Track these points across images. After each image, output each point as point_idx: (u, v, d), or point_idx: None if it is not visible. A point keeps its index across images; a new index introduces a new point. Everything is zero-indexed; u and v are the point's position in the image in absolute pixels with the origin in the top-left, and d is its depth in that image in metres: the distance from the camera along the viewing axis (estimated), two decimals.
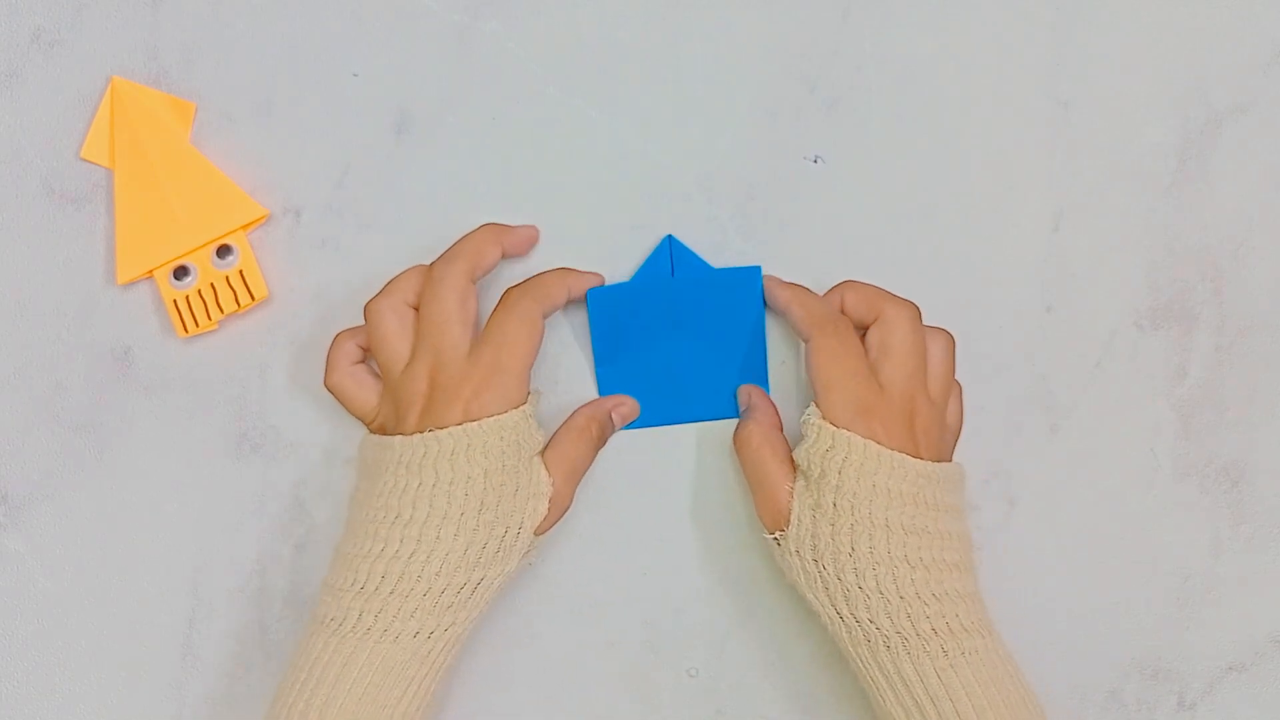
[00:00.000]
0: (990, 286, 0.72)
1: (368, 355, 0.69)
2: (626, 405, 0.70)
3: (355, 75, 0.73)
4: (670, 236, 0.72)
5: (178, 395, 0.72)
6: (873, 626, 0.62)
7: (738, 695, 0.70)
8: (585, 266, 0.72)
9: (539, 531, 0.65)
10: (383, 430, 0.67)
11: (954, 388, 0.68)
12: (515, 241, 0.70)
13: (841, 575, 0.62)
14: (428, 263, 0.68)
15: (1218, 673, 0.71)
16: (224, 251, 0.72)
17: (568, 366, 0.72)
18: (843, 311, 0.68)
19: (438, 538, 0.62)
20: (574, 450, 0.67)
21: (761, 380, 0.71)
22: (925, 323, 0.67)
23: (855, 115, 0.73)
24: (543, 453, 0.66)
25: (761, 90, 0.73)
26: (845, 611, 0.63)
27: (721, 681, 0.70)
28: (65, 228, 0.72)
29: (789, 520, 0.64)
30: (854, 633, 0.63)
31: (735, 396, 0.71)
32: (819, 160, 0.73)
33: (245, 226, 0.72)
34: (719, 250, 0.72)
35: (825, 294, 0.69)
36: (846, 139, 0.73)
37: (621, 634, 0.71)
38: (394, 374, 0.66)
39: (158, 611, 0.71)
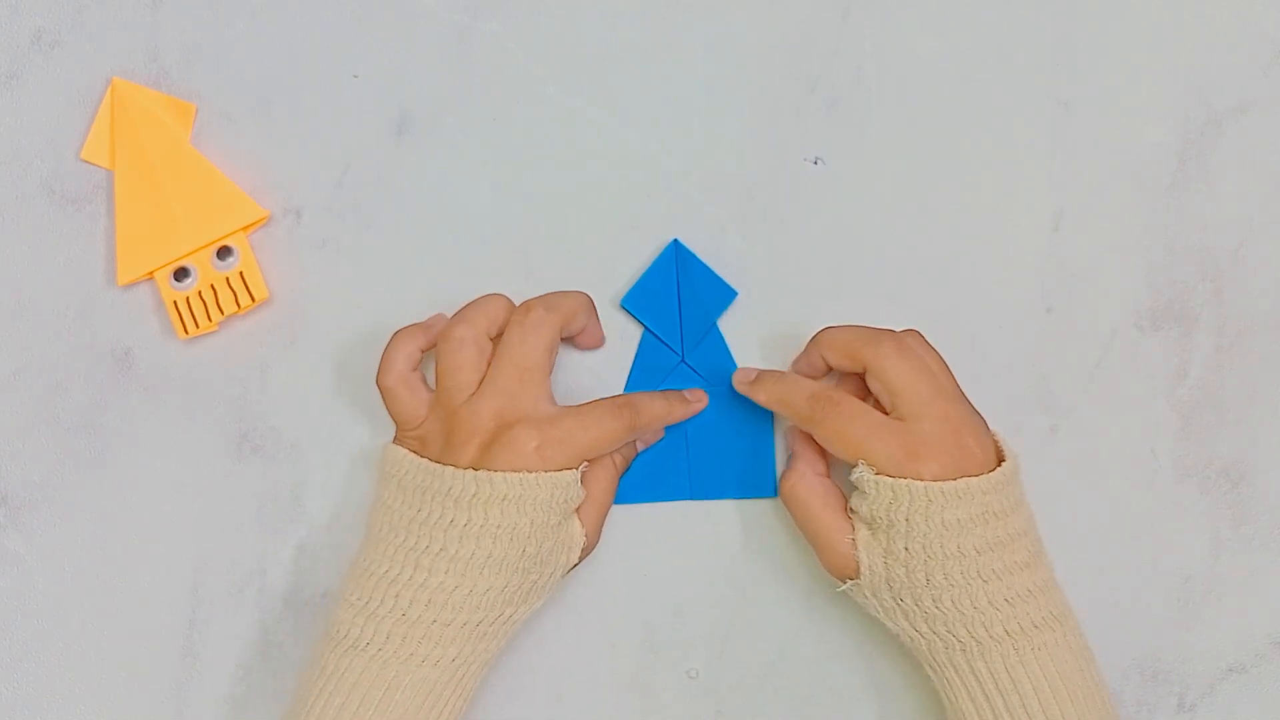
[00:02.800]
0: (990, 286, 0.72)
1: (423, 358, 0.69)
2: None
3: (355, 76, 0.73)
4: (676, 241, 0.72)
5: (178, 396, 0.72)
6: (951, 637, 0.63)
7: (738, 695, 0.70)
8: (585, 267, 0.72)
9: (568, 572, 0.66)
10: (421, 446, 0.66)
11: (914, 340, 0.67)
12: (594, 330, 0.70)
13: (920, 603, 0.63)
14: (504, 295, 0.68)
15: (1218, 674, 0.71)
16: (224, 252, 0.72)
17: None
18: (829, 368, 0.68)
19: (481, 575, 0.62)
20: (602, 495, 0.68)
21: (769, 465, 0.71)
22: (917, 325, 0.68)
23: (855, 115, 0.73)
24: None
25: (761, 90, 0.73)
26: (925, 629, 0.63)
27: (721, 682, 0.70)
28: (65, 228, 0.72)
29: (857, 569, 0.64)
30: (933, 644, 0.64)
31: (744, 477, 0.71)
32: (819, 161, 0.73)
33: (246, 227, 0.72)
34: (719, 250, 0.72)
35: (804, 352, 0.69)
36: (846, 139, 0.73)
37: (621, 635, 0.71)
38: (455, 402, 0.65)
39: (158, 612, 0.71)
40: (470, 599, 0.62)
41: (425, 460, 0.64)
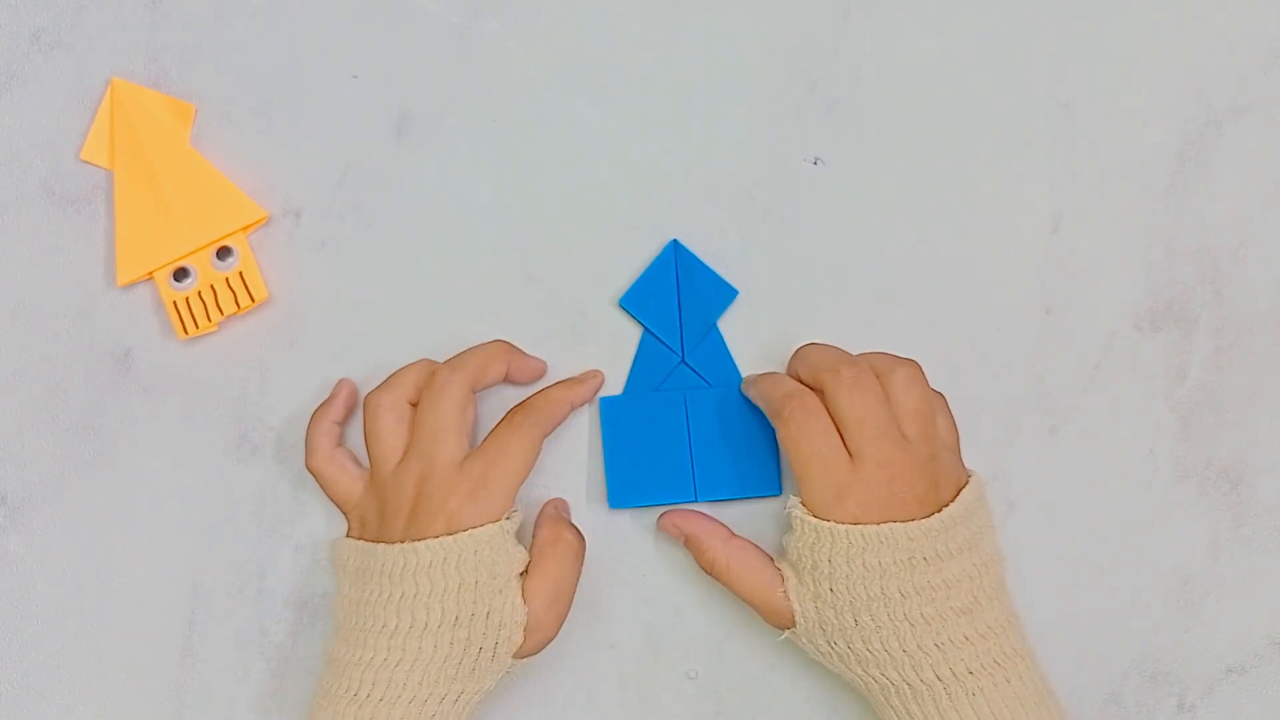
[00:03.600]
0: (990, 287, 0.72)
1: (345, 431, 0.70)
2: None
3: (355, 76, 0.73)
4: (675, 241, 0.72)
5: (178, 396, 0.72)
6: (885, 680, 0.63)
7: (738, 696, 0.70)
8: (584, 267, 0.72)
9: (521, 655, 0.65)
10: (362, 526, 0.67)
11: (934, 404, 0.66)
12: (521, 368, 0.70)
13: (851, 645, 0.63)
14: (430, 360, 0.68)
15: (1217, 675, 0.71)
16: (224, 253, 0.72)
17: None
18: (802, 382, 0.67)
19: (419, 649, 0.63)
20: (554, 569, 0.66)
21: (772, 463, 0.71)
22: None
23: (855, 115, 0.73)
24: (524, 576, 0.65)
25: (761, 90, 0.73)
26: (860, 673, 0.64)
27: (721, 683, 0.70)
28: (65, 229, 0.72)
29: (793, 618, 0.65)
30: (869, 687, 0.64)
31: (748, 476, 0.71)
32: (819, 161, 0.73)
33: (245, 228, 0.72)
34: (719, 250, 0.72)
35: (790, 360, 0.69)
36: (846, 139, 0.73)
37: (621, 635, 0.71)
38: (384, 471, 0.66)
39: (157, 612, 0.71)
40: (412, 674, 0.62)
41: (361, 542, 0.66)
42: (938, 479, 0.65)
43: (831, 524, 0.63)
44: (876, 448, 0.63)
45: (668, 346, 0.71)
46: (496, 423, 0.67)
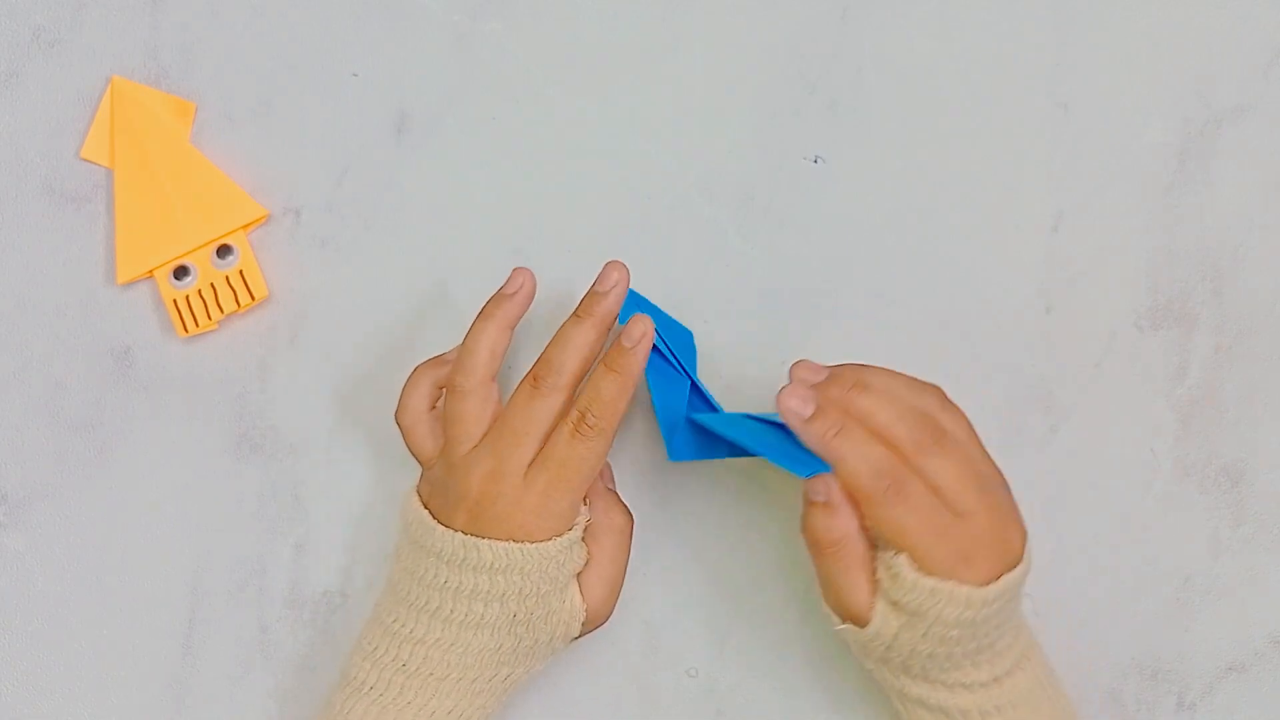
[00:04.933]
0: (990, 287, 0.72)
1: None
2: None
3: (355, 75, 0.73)
4: (631, 291, 0.67)
5: (178, 395, 0.72)
6: (920, 693, 0.63)
7: (738, 695, 0.70)
8: (585, 267, 0.71)
9: (573, 640, 0.66)
10: (431, 491, 0.65)
11: (938, 410, 0.63)
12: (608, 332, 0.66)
13: (908, 666, 0.62)
14: (499, 325, 0.65)
15: (1217, 673, 0.71)
16: (224, 251, 0.72)
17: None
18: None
19: (475, 634, 0.63)
20: (609, 559, 0.65)
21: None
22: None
23: (855, 115, 0.73)
24: (581, 571, 0.65)
25: (761, 90, 0.73)
26: (900, 678, 0.63)
27: (721, 682, 0.70)
28: (65, 228, 0.72)
29: (865, 622, 0.61)
30: (902, 689, 0.63)
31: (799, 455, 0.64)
32: (819, 160, 0.73)
33: (245, 226, 0.72)
34: (719, 250, 0.72)
35: (831, 373, 0.63)
36: (846, 139, 0.73)
37: (621, 634, 0.70)
38: (455, 453, 0.64)
39: (158, 611, 0.71)
40: (464, 657, 0.63)
41: (425, 515, 0.64)
42: (1009, 513, 0.63)
43: (952, 585, 0.59)
44: (978, 499, 0.60)
45: (675, 365, 0.68)
46: (558, 428, 0.63)
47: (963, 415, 0.64)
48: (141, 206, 0.71)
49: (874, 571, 0.61)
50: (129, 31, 0.73)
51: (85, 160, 0.72)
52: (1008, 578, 0.60)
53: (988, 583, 0.59)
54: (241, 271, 0.71)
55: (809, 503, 0.61)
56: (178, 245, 0.71)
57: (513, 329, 0.66)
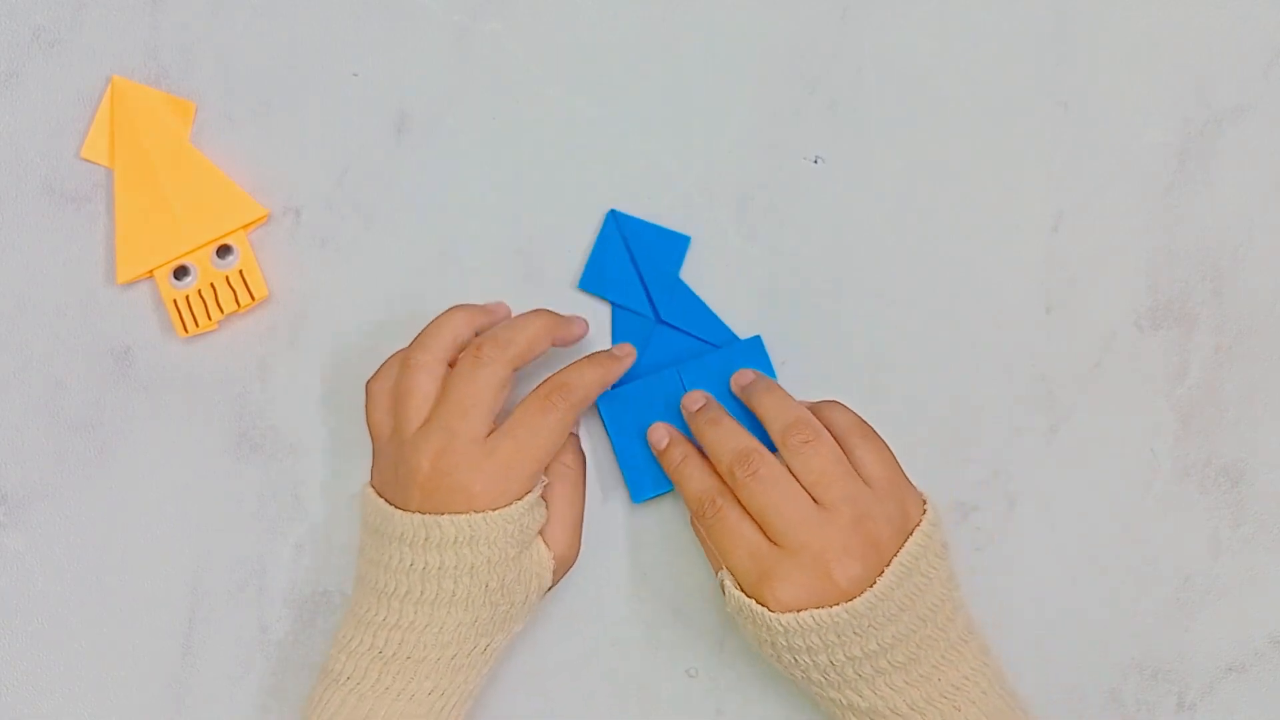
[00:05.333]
0: (990, 286, 0.72)
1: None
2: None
3: (355, 75, 0.73)
4: (613, 210, 0.72)
5: (178, 395, 0.72)
6: (828, 698, 0.64)
7: (737, 695, 0.70)
8: (583, 266, 0.72)
9: (546, 591, 0.67)
10: (381, 477, 0.66)
11: (854, 447, 0.65)
12: (565, 338, 0.68)
13: (791, 673, 0.64)
14: (467, 309, 0.67)
15: (1217, 673, 0.71)
16: (224, 251, 0.72)
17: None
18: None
19: (449, 612, 0.63)
20: (566, 508, 0.67)
21: None
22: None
23: (855, 115, 0.73)
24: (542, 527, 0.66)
25: (761, 90, 0.73)
26: (803, 687, 0.65)
27: (721, 681, 0.70)
28: (65, 227, 0.72)
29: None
30: (814, 697, 0.65)
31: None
32: (819, 160, 0.73)
33: (245, 226, 0.72)
34: (719, 250, 0.72)
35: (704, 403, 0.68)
36: (846, 139, 0.73)
37: (621, 634, 0.70)
38: (407, 430, 0.65)
39: (158, 610, 0.71)
40: (441, 635, 0.63)
41: (381, 501, 0.65)
42: (875, 536, 0.63)
43: (753, 603, 0.62)
44: (798, 535, 0.62)
45: (638, 313, 0.71)
46: (526, 397, 0.66)
47: (826, 446, 0.65)
48: (141, 206, 0.71)
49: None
50: (129, 31, 0.73)
51: (85, 160, 0.72)
52: (820, 613, 0.61)
53: (793, 610, 0.61)
54: (241, 271, 0.71)
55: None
56: (178, 245, 0.71)
57: (476, 333, 0.67)
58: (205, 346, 0.72)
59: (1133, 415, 0.72)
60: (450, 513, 0.63)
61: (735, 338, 0.71)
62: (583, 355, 0.68)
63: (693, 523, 0.68)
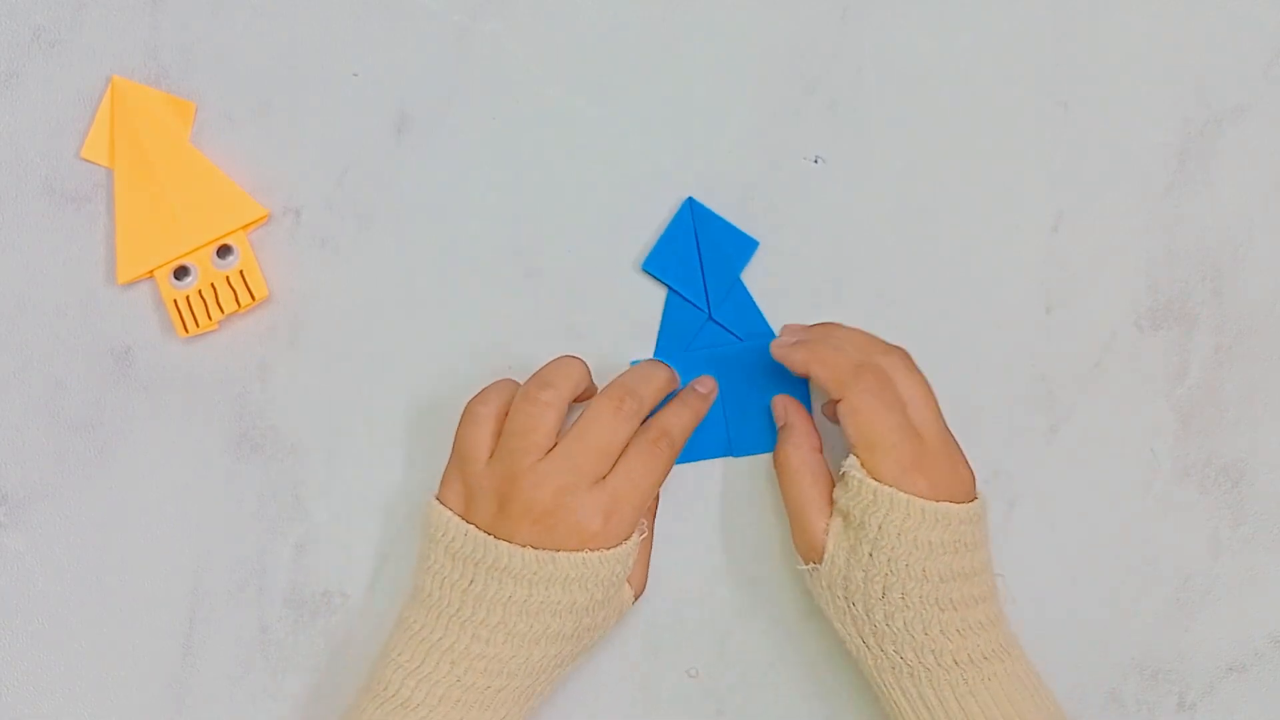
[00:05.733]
0: (990, 286, 0.72)
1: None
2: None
3: (355, 75, 0.73)
4: (690, 199, 0.72)
5: (178, 395, 0.71)
6: (898, 657, 0.63)
7: (738, 695, 0.70)
8: (585, 266, 0.72)
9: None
10: (469, 504, 0.65)
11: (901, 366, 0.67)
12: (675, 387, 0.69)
13: (871, 613, 0.63)
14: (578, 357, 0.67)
15: (1218, 673, 0.71)
16: (224, 251, 0.72)
17: None
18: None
19: (537, 645, 0.63)
20: (646, 548, 0.68)
21: (804, 403, 0.71)
22: (917, 324, 0.69)
23: (855, 115, 0.73)
24: None
25: (761, 90, 0.73)
26: (872, 643, 0.63)
27: (721, 681, 0.70)
28: (65, 228, 0.72)
29: (823, 556, 0.64)
30: (879, 660, 0.64)
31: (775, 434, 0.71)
32: (819, 160, 0.73)
33: (245, 226, 0.72)
34: None
35: (813, 328, 0.69)
36: (846, 139, 0.73)
37: (622, 634, 0.70)
38: (520, 464, 0.63)
39: (158, 611, 0.71)
40: (525, 666, 0.63)
41: (476, 530, 0.64)
42: (965, 461, 0.66)
43: (893, 490, 0.63)
44: (937, 428, 0.65)
45: (693, 304, 0.71)
46: (632, 442, 0.65)
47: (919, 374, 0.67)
48: (141, 206, 0.71)
49: (829, 495, 0.66)
50: (129, 31, 0.73)
51: (85, 160, 0.72)
52: (954, 506, 0.63)
53: (931, 500, 0.63)
54: (242, 271, 0.71)
55: (779, 433, 0.69)
56: (178, 245, 0.71)
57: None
58: (205, 346, 0.72)
59: (1133, 415, 0.72)
60: (566, 549, 0.63)
61: None
62: (669, 393, 0.69)
63: (780, 460, 0.68)
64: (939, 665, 0.62)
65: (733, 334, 0.71)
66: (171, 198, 0.71)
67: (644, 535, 0.66)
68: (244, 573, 0.71)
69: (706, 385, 0.69)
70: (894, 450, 0.63)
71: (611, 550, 0.63)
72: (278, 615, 0.71)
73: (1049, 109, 0.73)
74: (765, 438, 0.71)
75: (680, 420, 0.67)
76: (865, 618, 0.63)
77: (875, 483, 0.63)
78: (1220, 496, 0.71)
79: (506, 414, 0.65)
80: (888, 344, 0.67)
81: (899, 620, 0.62)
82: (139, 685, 0.70)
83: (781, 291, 0.72)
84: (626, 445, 0.65)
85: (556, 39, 0.73)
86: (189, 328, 0.71)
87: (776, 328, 0.71)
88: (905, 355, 0.67)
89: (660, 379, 0.67)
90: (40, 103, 0.73)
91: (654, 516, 0.70)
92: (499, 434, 0.65)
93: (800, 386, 0.71)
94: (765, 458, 0.71)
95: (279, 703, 0.70)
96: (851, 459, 0.64)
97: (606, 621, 0.66)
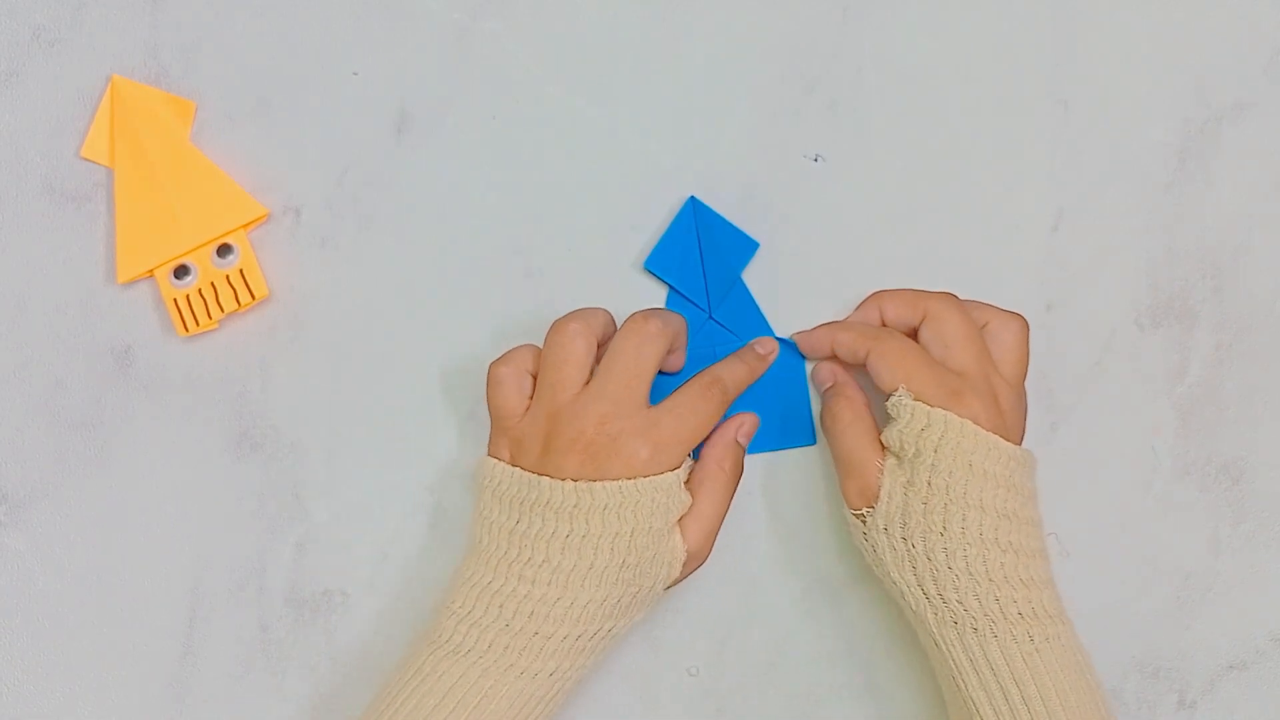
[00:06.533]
0: (990, 286, 0.72)
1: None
2: (747, 423, 0.69)
3: (355, 75, 0.73)
4: (693, 198, 0.72)
5: (178, 395, 0.71)
6: (960, 608, 0.62)
7: (738, 695, 0.70)
8: (585, 266, 0.72)
9: (670, 586, 0.66)
10: (517, 450, 0.65)
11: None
12: (679, 356, 0.70)
13: (931, 554, 0.62)
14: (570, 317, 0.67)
15: (1218, 671, 0.71)
16: (224, 250, 0.72)
17: None
18: (883, 324, 0.69)
19: (582, 586, 0.62)
20: (710, 507, 0.66)
21: (806, 414, 0.71)
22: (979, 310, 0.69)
23: (855, 115, 0.73)
24: (682, 515, 0.65)
25: (761, 90, 0.73)
26: (933, 591, 0.62)
27: (721, 681, 0.70)
28: (65, 227, 0.72)
29: (877, 496, 0.64)
30: (940, 613, 0.62)
31: (785, 428, 0.71)
32: (819, 160, 0.73)
33: (245, 225, 0.72)
34: None
35: (859, 308, 0.70)
36: (846, 139, 0.73)
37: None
38: (558, 399, 0.64)
39: (158, 610, 0.71)
40: (571, 611, 0.62)
41: (521, 471, 0.64)
42: (1022, 432, 0.67)
43: (946, 412, 0.63)
44: (981, 368, 0.65)
45: (694, 304, 0.71)
46: (685, 384, 0.66)
47: (1023, 328, 0.68)
48: (141, 206, 0.71)
49: (880, 444, 0.66)
50: (129, 31, 0.73)
51: (85, 160, 0.72)
52: (1004, 442, 0.63)
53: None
54: (242, 271, 0.71)
55: (824, 397, 0.70)
56: (178, 244, 0.71)
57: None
58: (205, 346, 0.72)
59: (1133, 413, 0.72)
60: (608, 478, 0.62)
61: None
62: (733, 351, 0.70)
63: (830, 417, 0.69)
64: (1004, 616, 0.61)
65: (733, 333, 0.71)
66: (171, 197, 0.71)
67: (690, 470, 0.66)
68: (244, 572, 0.71)
69: (766, 346, 0.70)
70: (932, 377, 0.64)
71: (653, 478, 0.63)
72: (278, 615, 0.71)
73: (1049, 108, 0.73)
74: (766, 437, 0.70)
75: (734, 374, 0.68)
76: (925, 560, 0.62)
77: (927, 406, 0.63)
78: (1220, 494, 0.72)
79: (530, 375, 0.66)
80: (936, 293, 0.69)
81: (960, 559, 0.61)
82: (139, 685, 0.70)
83: (781, 291, 0.72)
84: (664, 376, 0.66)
85: (556, 39, 0.73)
86: (189, 327, 0.71)
87: (776, 327, 0.71)
88: (954, 302, 0.67)
89: (679, 319, 0.67)
90: (40, 102, 0.73)
91: (735, 479, 0.68)
92: (526, 393, 0.66)
93: (800, 387, 0.71)
94: (766, 457, 0.71)
95: (279, 702, 0.70)
96: (900, 390, 0.64)
97: (655, 574, 0.64)
